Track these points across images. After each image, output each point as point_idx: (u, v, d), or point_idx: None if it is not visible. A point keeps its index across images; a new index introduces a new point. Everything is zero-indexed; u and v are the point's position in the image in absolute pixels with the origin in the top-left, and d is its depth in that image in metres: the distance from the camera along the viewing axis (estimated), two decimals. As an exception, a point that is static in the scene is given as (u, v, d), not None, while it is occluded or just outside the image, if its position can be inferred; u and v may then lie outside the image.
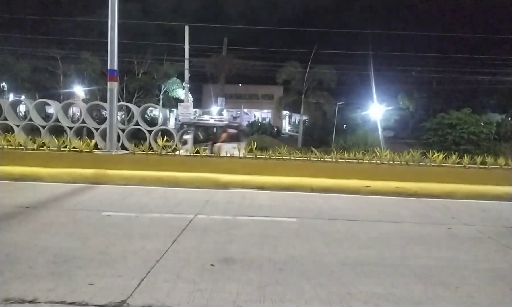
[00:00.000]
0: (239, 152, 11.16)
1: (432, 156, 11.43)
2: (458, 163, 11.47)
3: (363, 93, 38.08)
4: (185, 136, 15.22)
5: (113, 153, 11.38)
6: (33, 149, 11.04)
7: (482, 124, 20.34)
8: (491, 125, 21.43)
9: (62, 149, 11.06)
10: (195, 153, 11.14)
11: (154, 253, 4.68)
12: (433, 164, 11.13)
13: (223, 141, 14.10)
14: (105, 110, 17.82)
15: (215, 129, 15.75)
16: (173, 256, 4.63)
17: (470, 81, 37.71)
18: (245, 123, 45.50)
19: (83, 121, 19.11)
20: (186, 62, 27.75)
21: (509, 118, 25.66)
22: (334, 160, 11.15)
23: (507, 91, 39.29)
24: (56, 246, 4.79)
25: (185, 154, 11.31)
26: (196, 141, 13.68)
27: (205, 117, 19.66)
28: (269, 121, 49.63)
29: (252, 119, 49.02)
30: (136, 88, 32.10)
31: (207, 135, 15.37)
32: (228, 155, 11.27)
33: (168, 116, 29.61)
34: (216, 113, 31.61)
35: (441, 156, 11.32)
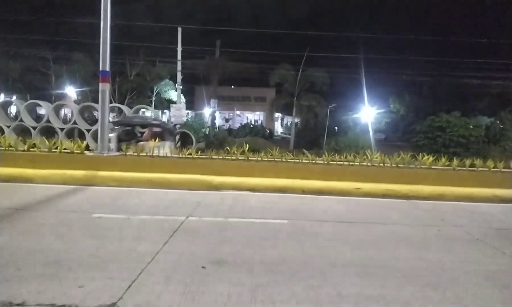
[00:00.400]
0: (163, 150, 11.14)
1: (422, 158, 11.53)
2: (447, 165, 11.57)
3: (354, 96, 38.31)
4: (109, 134, 15.14)
5: (104, 154, 11.30)
6: (24, 150, 10.92)
7: (471, 127, 20.55)
8: (480, 128, 21.66)
9: (53, 150, 10.96)
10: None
11: (145, 255, 4.65)
12: (423, 166, 11.21)
13: (147, 140, 14.08)
14: (97, 111, 17.71)
15: (139, 128, 15.67)
16: (164, 258, 4.60)
17: (460, 84, 38.14)
18: (237, 125, 45.56)
19: (75, 122, 18.97)
20: (179, 64, 27.68)
21: (498, 121, 25.87)
22: (325, 162, 11.18)
23: (496, 95, 39.79)
24: (45, 248, 4.74)
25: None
26: (120, 140, 13.54)
27: (130, 115, 19.51)
28: (261, 123, 49.75)
29: (245, 121, 49.09)
30: (128, 90, 32.01)
31: (133, 134, 15.29)
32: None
33: (160, 118, 29.51)
34: (210, 113, 31.23)
35: (431, 159, 11.41)
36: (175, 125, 23.64)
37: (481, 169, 11.38)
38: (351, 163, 11.30)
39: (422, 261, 4.94)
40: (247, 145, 11.76)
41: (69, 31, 31.52)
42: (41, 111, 24.46)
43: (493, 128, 24.51)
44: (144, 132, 15.41)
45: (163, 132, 15.40)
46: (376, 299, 3.76)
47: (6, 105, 21.49)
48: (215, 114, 36.06)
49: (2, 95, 34.31)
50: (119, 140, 13.26)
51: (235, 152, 11.40)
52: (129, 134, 15.06)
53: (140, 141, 13.89)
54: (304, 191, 9.65)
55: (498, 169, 11.32)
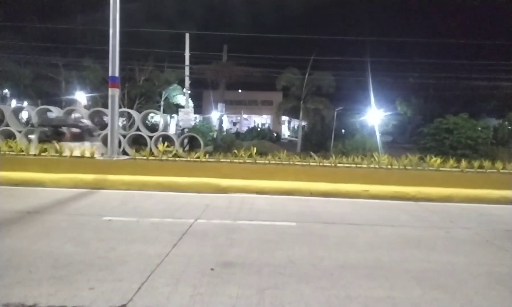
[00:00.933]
0: (83, 151, 11.19)
1: (429, 160, 11.44)
2: (455, 167, 11.47)
3: (361, 98, 38.06)
4: (30, 136, 15.32)
5: (114, 158, 11.37)
6: (35, 155, 11.03)
7: (479, 128, 20.33)
8: (488, 130, 21.44)
9: (63, 154, 11.06)
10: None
11: (154, 257, 4.66)
12: (431, 168, 11.13)
13: (67, 140, 14.16)
14: (107, 116, 17.84)
15: (60, 128, 15.78)
16: (173, 260, 4.61)
17: (467, 86, 37.77)
18: (244, 128, 45.60)
19: (85, 127, 19.08)
20: (187, 69, 27.81)
21: (506, 123, 25.60)
22: (333, 164, 11.14)
23: (504, 96, 39.37)
24: (56, 251, 4.77)
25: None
26: (41, 140, 13.59)
27: (51, 115, 19.76)
28: (268, 126, 49.63)
29: (252, 125, 49.10)
30: (137, 95, 32.13)
31: (54, 134, 15.43)
32: (228, 160, 11.27)
33: (168, 122, 29.63)
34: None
35: (438, 161, 11.32)
36: (183, 129, 23.73)
37: (489, 170, 11.27)
38: (358, 165, 11.25)
39: (431, 263, 4.89)
40: (255, 148, 11.78)
41: (79, 37, 31.83)
42: (52, 116, 24.71)
43: (501, 129, 24.26)
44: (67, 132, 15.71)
45: (82, 133, 15.60)
46: (385, 301, 3.72)
47: (18, 111, 21.70)
48: (222, 118, 36.08)
49: (14, 101, 34.75)
50: (40, 140, 13.39)
51: (243, 155, 11.42)
52: (52, 134, 15.29)
53: (61, 141, 14.04)
54: (311, 194, 9.62)
55: (507, 171, 11.19)
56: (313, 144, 28.26)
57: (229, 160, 11.32)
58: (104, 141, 15.21)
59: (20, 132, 18.31)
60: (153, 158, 11.37)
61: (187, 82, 28.19)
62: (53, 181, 9.66)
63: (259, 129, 41.17)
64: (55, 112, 19.77)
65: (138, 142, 19.57)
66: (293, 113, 38.52)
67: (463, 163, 11.41)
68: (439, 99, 44.66)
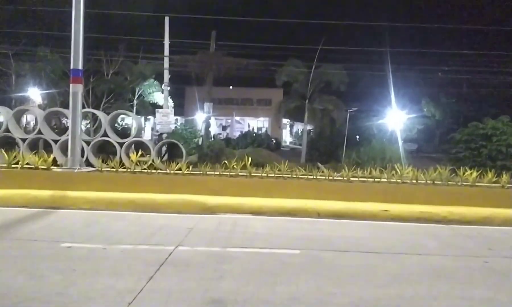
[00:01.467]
0: None
1: (463, 173, 11.48)
2: (495, 182, 11.52)
3: (379, 98, 38.30)
4: None
5: (75, 170, 11.34)
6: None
7: (524, 135, 20.42)
8: (534, 136, 21.52)
9: (13, 166, 11.02)
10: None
11: (125, 294, 4.64)
12: (465, 183, 11.18)
13: None
14: (67, 118, 17.80)
15: None
16: (149, 298, 4.59)
17: (509, 83, 38.02)
18: (236, 133, 45.67)
19: (39, 132, 18.99)
20: (166, 60, 27.84)
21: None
22: (345, 178, 11.18)
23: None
24: (3, 285, 4.74)
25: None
26: None
27: None
28: (266, 131, 49.80)
29: (246, 129, 49.20)
30: (104, 92, 32.10)
31: None
32: (217, 173, 11.30)
33: (143, 126, 29.60)
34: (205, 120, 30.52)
35: (474, 174, 11.36)
36: (161, 134, 23.75)
37: (536, 186, 11.32)
38: (376, 179, 11.29)
39: (466, 300, 4.90)
40: (249, 158, 11.78)
41: (33, 21, 31.82)
42: (-1, 118, 24.64)
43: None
44: None
45: None
46: (410, 348, 3.72)
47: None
48: (209, 120, 36.11)
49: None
50: None
51: (235, 166, 11.44)
52: None
53: None
54: (319, 215, 9.63)
55: (558, 187, 11.26)
56: (321, 153, 28.36)
57: (217, 173, 11.34)
58: (63, 149, 15.20)
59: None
60: (124, 170, 11.36)
61: (166, 76, 28.22)
62: (0, 198, 9.60)
63: (254, 134, 41.29)
64: (2, 113, 19.67)
65: (105, 150, 19.51)
66: (297, 115, 38.67)
67: (504, 177, 11.47)
68: (474, 98, 44.95)
